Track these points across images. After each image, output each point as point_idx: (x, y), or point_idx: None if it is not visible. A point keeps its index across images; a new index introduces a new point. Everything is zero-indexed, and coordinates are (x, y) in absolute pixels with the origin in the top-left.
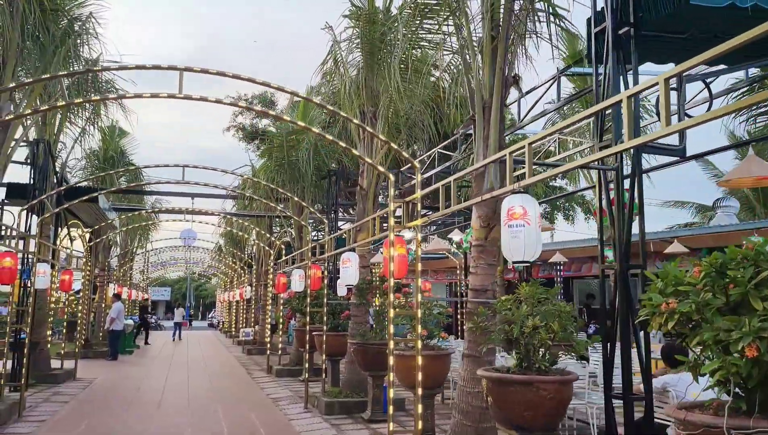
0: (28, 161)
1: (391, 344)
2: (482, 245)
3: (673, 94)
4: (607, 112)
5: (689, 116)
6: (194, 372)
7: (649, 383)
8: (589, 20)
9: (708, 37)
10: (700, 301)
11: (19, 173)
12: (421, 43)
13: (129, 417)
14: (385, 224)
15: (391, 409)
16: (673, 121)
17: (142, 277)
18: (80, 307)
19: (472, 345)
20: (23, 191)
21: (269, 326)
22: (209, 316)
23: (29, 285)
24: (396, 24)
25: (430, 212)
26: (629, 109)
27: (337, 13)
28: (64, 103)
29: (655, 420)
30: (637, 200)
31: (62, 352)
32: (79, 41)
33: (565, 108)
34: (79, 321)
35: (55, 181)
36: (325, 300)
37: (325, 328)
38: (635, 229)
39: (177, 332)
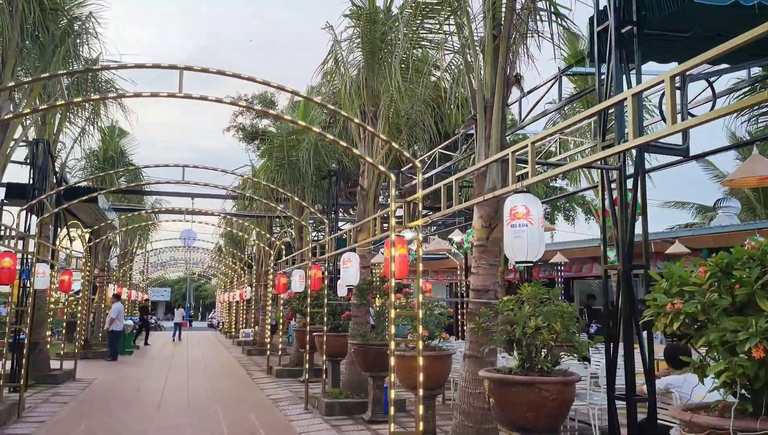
0: (28, 161)
1: (392, 345)
2: (484, 245)
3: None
4: (609, 111)
5: (692, 115)
6: (194, 372)
7: (652, 384)
8: (591, 19)
9: (711, 35)
10: (706, 301)
11: (19, 173)
12: (422, 43)
13: (129, 418)
14: (385, 224)
15: (392, 410)
16: (668, 122)
17: (142, 277)
18: (80, 308)
19: (473, 346)
20: (23, 191)
21: (269, 327)
22: (209, 316)
23: (28, 285)
24: (397, 23)
25: (431, 212)
26: (634, 107)
27: (337, 13)
28: (63, 102)
29: (659, 421)
30: (640, 200)
31: (62, 352)
32: (78, 41)
33: (565, 108)
34: (78, 321)
35: (55, 181)
36: (325, 300)
37: (325, 328)
38: (638, 229)
39: (177, 333)
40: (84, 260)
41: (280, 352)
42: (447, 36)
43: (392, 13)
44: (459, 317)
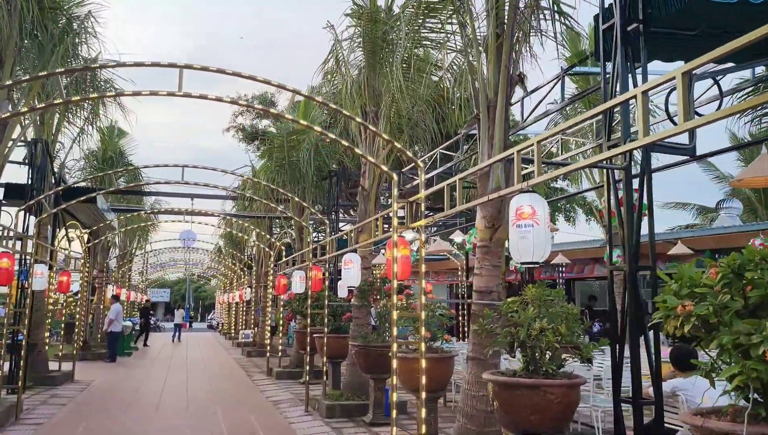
0: (26, 161)
1: (395, 347)
2: (487, 246)
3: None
4: (615, 110)
5: (699, 115)
6: (193, 374)
7: (659, 387)
8: (596, 17)
9: (718, 33)
10: (718, 303)
11: (17, 173)
12: (424, 42)
13: (127, 419)
14: (386, 225)
15: (394, 413)
16: (680, 120)
17: (141, 278)
18: (78, 309)
19: (476, 348)
20: (21, 191)
21: (269, 328)
22: (209, 317)
23: (26, 286)
24: (398, 23)
25: (431, 213)
26: (644, 105)
27: (337, 12)
28: (61, 100)
29: (665, 425)
30: (646, 200)
31: (60, 353)
32: (77, 40)
33: (567, 108)
34: (77, 322)
35: (53, 181)
36: (326, 302)
37: (326, 330)
38: (644, 229)
39: (177, 334)
40: (83, 261)
41: (280, 354)
42: (449, 35)
43: (393, 13)
44: (460, 319)
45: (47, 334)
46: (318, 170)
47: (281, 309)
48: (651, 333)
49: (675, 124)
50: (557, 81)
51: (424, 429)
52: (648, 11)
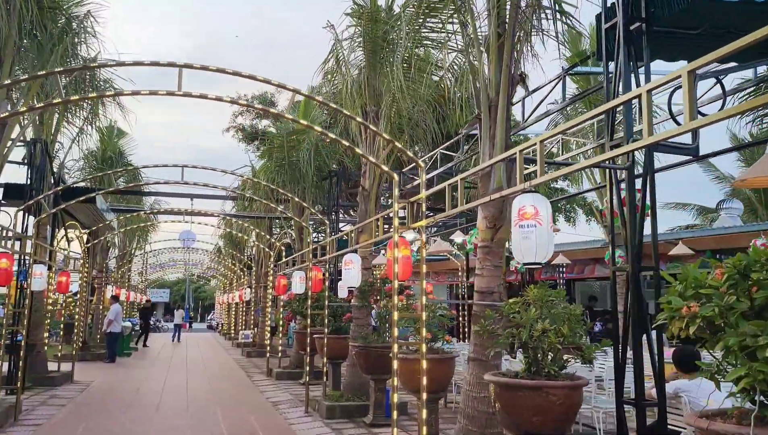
0: (25, 161)
1: (396, 348)
2: (488, 246)
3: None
4: (617, 109)
5: (702, 114)
6: (193, 374)
7: (662, 389)
8: (598, 16)
9: (721, 33)
10: (724, 304)
11: (16, 173)
12: (425, 42)
13: (127, 420)
14: (386, 225)
15: (395, 414)
16: (683, 120)
17: (141, 278)
18: (78, 309)
19: (478, 348)
20: (20, 191)
21: (269, 329)
22: (208, 318)
23: (25, 287)
24: (399, 22)
25: (432, 214)
26: (648, 104)
27: (337, 12)
28: (60, 100)
29: (668, 426)
30: (648, 201)
31: (59, 354)
32: (77, 40)
33: (568, 108)
34: (76, 323)
35: (53, 181)
36: (326, 302)
37: (326, 330)
38: (646, 229)
39: (176, 334)
40: (82, 261)
41: (280, 355)
42: (450, 35)
43: (394, 12)
44: (461, 319)
45: (46, 334)
46: (318, 170)
47: (281, 309)
48: (654, 334)
49: (678, 123)
50: (558, 81)
51: (425, 430)
52: (651, 10)
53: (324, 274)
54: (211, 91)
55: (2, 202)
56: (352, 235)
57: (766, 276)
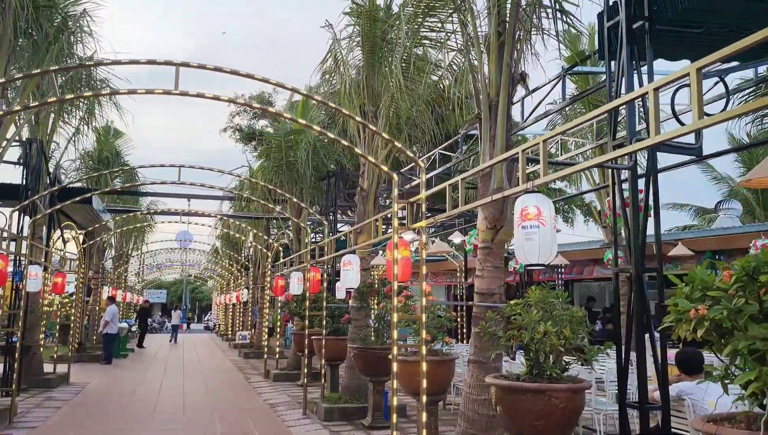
0: (21, 161)
1: (395, 350)
2: (488, 247)
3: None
4: (620, 109)
5: (707, 114)
6: (190, 376)
7: (666, 391)
8: (600, 15)
9: (724, 31)
10: (732, 307)
11: (12, 173)
12: (423, 42)
13: (123, 422)
14: (385, 226)
15: (394, 417)
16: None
17: (138, 279)
18: (74, 310)
19: (478, 350)
20: (15, 192)
21: (266, 330)
22: (205, 318)
23: (21, 288)
24: (398, 21)
25: (430, 214)
26: (655, 103)
27: (338, 12)
28: (55, 99)
29: (672, 429)
30: (652, 201)
31: (55, 355)
32: (73, 39)
33: (567, 109)
34: (72, 324)
35: (48, 181)
36: (324, 303)
37: (324, 332)
38: (649, 230)
39: (174, 335)
40: (78, 262)
41: (277, 356)
42: (449, 34)
43: (393, 12)
44: (459, 320)
45: (42, 336)
46: (316, 170)
47: (279, 310)
48: (657, 336)
49: (681, 123)
50: (558, 81)
51: (424, 433)
52: (653, 8)
53: (322, 275)
54: (209, 91)
55: None
56: (351, 235)
57: None
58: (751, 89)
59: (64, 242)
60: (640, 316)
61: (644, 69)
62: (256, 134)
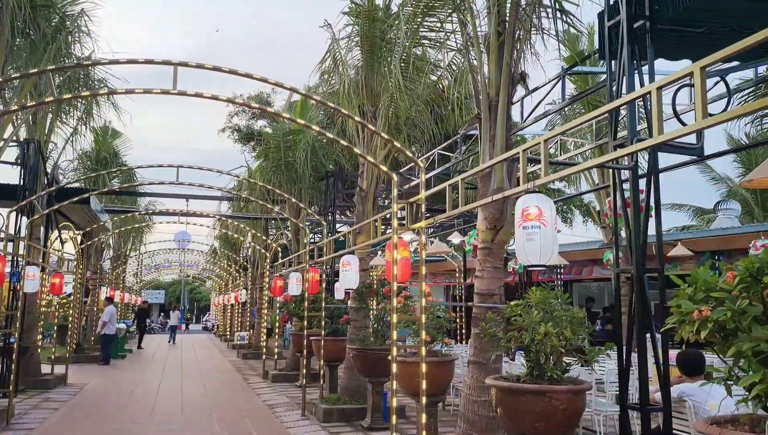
0: (18, 161)
1: (395, 351)
2: (488, 248)
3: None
4: (621, 108)
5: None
6: (188, 377)
7: (667, 393)
8: (600, 14)
9: (725, 31)
10: (736, 308)
11: (9, 174)
12: (423, 42)
13: (121, 423)
14: (384, 226)
15: (394, 419)
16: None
17: (136, 280)
18: (71, 311)
19: (478, 351)
20: (13, 192)
21: (265, 330)
22: (203, 319)
23: (18, 288)
24: (397, 21)
25: (429, 215)
26: (658, 102)
27: (337, 12)
28: (52, 98)
29: (674, 431)
30: (653, 201)
31: (53, 356)
32: (70, 38)
33: (566, 109)
34: (70, 325)
35: (46, 182)
36: (323, 304)
37: (323, 332)
38: (650, 230)
39: (173, 336)
40: (76, 263)
41: (276, 356)
42: (448, 34)
43: (392, 11)
44: (458, 321)
45: (40, 336)
46: (315, 171)
47: (277, 311)
48: (659, 337)
49: (683, 123)
50: (557, 81)
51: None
52: (654, 7)
53: (321, 276)
54: (207, 91)
55: None
56: (350, 236)
57: None
58: (750, 89)
59: (62, 243)
60: (642, 317)
61: (644, 69)
62: (254, 134)
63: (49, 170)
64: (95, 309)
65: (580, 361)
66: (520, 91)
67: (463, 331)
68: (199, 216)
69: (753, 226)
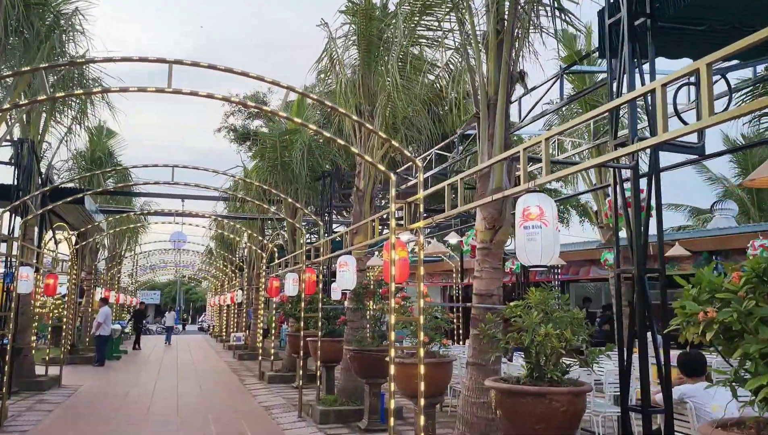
0: (12, 161)
1: (393, 352)
2: (487, 248)
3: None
4: (621, 107)
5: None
6: (184, 378)
7: (669, 395)
8: (600, 12)
9: (726, 29)
10: (743, 310)
11: (3, 173)
12: (420, 41)
13: (116, 425)
14: (381, 226)
15: (392, 420)
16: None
17: (131, 280)
18: (66, 312)
19: (476, 353)
20: (6, 192)
21: (261, 331)
22: (199, 320)
23: (12, 289)
24: (394, 20)
25: (426, 215)
26: (663, 100)
27: (337, 12)
28: (46, 97)
29: (675, 433)
30: (654, 201)
31: (47, 358)
32: (64, 37)
33: (563, 109)
34: (64, 326)
35: (40, 181)
36: (320, 305)
37: (320, 333)
38: (650, 230)
39: (168, 336)
40: (70, 263)
41: (272, 357)
42: (446, 33)
43: (389, 10)
44: (456, 322)
45: (34, 338)
46: (311, 171)
47: (273, 312)
48: (660, 338)
49: (684, 122)
50: (556, 80)
51: None
52: (655, 5)
53: (318, 276)
54: (203, 90)
55: None
56: (347, 236)
57: None
58: (748, 89)
59: (56, 243)
60: (643, 318)
61: (645, 67)
62: (250, 134)
63: (43, 170)
64: (90, 310)
65: (579, 362)
66: (518, 90)
67: (461, 331)
68: (194, 216)
69: (750, 226)
